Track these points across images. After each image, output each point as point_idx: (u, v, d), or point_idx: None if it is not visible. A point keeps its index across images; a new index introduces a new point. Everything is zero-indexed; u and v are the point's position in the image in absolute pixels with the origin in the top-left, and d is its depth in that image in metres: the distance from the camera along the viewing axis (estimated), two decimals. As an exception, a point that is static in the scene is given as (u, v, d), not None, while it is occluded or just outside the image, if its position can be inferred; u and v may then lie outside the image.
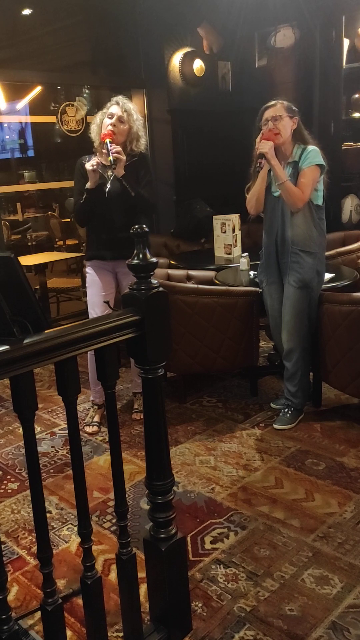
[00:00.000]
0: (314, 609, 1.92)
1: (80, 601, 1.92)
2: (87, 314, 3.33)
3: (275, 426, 3.16)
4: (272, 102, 2.99)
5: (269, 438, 3.07)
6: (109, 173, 3.09)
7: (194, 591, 2.00)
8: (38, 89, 5.33)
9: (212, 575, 2.10)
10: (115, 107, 3.05)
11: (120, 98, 3.10)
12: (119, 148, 2.97)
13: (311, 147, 2.96)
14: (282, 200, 2.99)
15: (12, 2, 4.85)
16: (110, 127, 3.01)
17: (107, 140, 2.96)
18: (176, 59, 5.60)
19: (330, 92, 5.55)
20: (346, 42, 5.54)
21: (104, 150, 3.00)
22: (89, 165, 2.99)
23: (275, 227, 3.07)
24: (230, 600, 1.98)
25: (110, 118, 3.03)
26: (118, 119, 3.03)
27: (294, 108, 3.00)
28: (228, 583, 2.06)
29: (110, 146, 2.94)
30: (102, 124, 3.06)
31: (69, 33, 5.54)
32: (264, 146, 2.89)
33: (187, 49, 5.63)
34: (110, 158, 2.93)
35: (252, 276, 3.65)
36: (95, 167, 2.99)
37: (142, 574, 1.79)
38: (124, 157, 2.99)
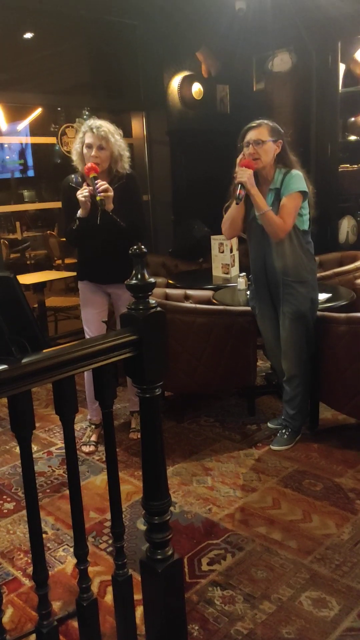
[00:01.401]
0: (311, 632, 1.90)
1: (75, 624, 1.90)
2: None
3: (273, 447, 3.14)
4: (256, 123, 2.84)
5: (267, 458, 3.06)
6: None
7: (190, 614, 1.98)
8: (38, 111, 5.41)
9: (209, 598, 2.08)
10: (90, 135, 2.90)
11: (93, 123, 2.93)
12: (105, 185, 2.86)
13: (293, 172, 2.84)
14: None
15: (14, 25, 4.94)
16: (92, 160, 2.89)
17: (92, 175, 2.85)
18: (175, 82, 5.70)
19: (327, 115, 5.64)
20: (342, 67, 5.65)
21: (90, 187, 2.88)
22: (80, 197, 2.89)
23: (261, 255, 3.00)
24: (227, 623, 1.96)
25: (89, 148, 2.91)
26: (97, 149, 2.90)
27: (280, 130, 2.87)
28: (225, 605, 2.04)
29: (96, 183, 2.83)
30: (82, 153, 2.95)
31: (70, 56, 5.63)
32: (242, 175, 2.76)
33: (186, 73, 5.73)
34: (98, 198, 2.81)
35: (249, 296, 3.67)
36: (87, 198, 2.88)
37: (138, 596, 1.77)
38: (111, 194, 2.88)
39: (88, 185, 2.92)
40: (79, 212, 2.96)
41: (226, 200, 3.04)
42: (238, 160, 2.86)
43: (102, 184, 2.85)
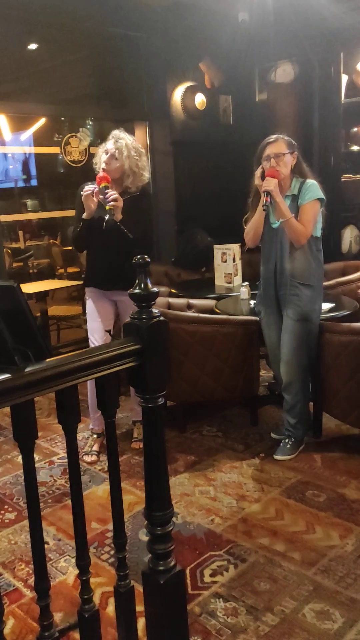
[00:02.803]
0: (315, 646, 1.88)
1: (77, 635, 1.88)
2: (87, 341, 3.33)
3: (276, 457, 3.13)
4: (273, 138, 2.99)
5: (269, 468, 3.05)
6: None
7: (192, 626, 1.96)
8: (42, 121, 5.44)
9: (212, 610, 2.06)
10: (111, 143, 3.04)
11: (117, 133, 3.08)
12: (115, 195, 2.93)
13: (310, 182, 2.98)
14: (280, 231, 3.00)
15: (19, 37, 4.99)
16: (104, 165, 3.01)
17: (103, 185, 2.92)
18: (178, 93, 5.73)
19: (329, 126, 5.66)
20: (344, 78, 5.68)
21: (101, 196, 2.95)
22: (83, 193, 2.96)
23: (273, 258, 3.07)
24: (230, 635, 1.94)
25: (106, 154, 3.04)
26: (111, 156, 3.01)
27: (294, 143, 3.01)
28: (227, 617, 2.02)
29: (107, 193, 2.91)
30: (101, 159, 3.07)
31: (74, 67, 5.67)
32: (269, 184, 2.89)
33: (189, 83, 5.76)
34: (108, 207, 2.89)
35: (252, 305, 3.67)
36: (90, 192, 2.94)
37: (140, 608, 1.76)
38: (121, 204, 2.95)
39: (100, 195, 2.98)
40: (84, 214, 3.03)
41: (245, 211, 3.14)
42: (258, 173, 2.99)
43: (112, 194, 2.92)
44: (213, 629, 1.98)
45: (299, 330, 3.04)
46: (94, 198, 2.99)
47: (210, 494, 2.84)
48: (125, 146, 3.02)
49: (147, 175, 3.14)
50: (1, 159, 7.05)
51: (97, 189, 2.98)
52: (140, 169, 3.08)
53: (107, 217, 2.92)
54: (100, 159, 3.08)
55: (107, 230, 3.02)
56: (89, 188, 2.99)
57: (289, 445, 3.16)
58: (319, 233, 3.04)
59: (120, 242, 3.04)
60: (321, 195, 2.97)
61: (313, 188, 2.96)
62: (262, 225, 3.06)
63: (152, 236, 3.21)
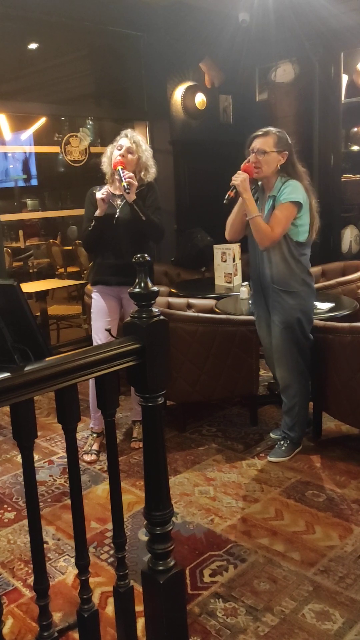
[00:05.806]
0: (314, 646, 1.87)
1: (76, 635, 1.88)
2: (87, 341, 3.33)
3: (270, 459, 3.12)
4: (262, 132, 2.85)
5: (269, 468, 3.05)
6: (118, 202, 3.15)
7: (192, 626, 1.96)
8: (42, 120, 5.44)
9: (211, 610, 2.06)
10: (124, 139, 3.16)
11: (129, 131, 3.22)
12: (131, 174, 3.06)
13: (291, 182, 2.82)
14: None
15: (19, 36, 4.98)
16: (119, 157, 3.10)
17: (119, 167, 3.05)
18: (178, 93, 5.73)
19: (329, 126, 5.66)
20: (345, 78, 5.67)
21: (117, 177, 3.07)
22: (98, 195, 3.07)
23: (256, 262, 3.02)
24: (229, 636, 1.94)
25: (119, 149, 3.13)
26: (127, 150, 3.12)
27: (287, 141, 2.86)
28: (227, 618, 2.02)
29: (123, 172, 3.03)
30: (112, 155, 3.15)
31: (74, 66, 5.67)
32: (237, 178, 2.80)
33: (189, 83, 5.76)
34: (124, 183, 2.99)
35: (251, 302, 3.67)
36: (105, 195, 3.06)
37: (139, 608, 1.75)
38: (136, 183, 3.06)
39: (115, 176, 3.12)
40: (96, 212, 3.12)
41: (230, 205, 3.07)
42: (243, 166, 2.90)
43: (128, 173, 3.05)
44: (212, 629, 1.97)
45: (285, 337, 2.98)
46: (107, 198, 3.11)
47: (209, 494, 2.83)
48: (141, 141, 3.20)
49: (155, 171, 3.25)
50: (1, 159, 7.05)
51: (110, 190, 3.13)
52: (151, 162, 3.23)
53: (125, 186, 2.99)
54: (112, 156, 3.15)
55: (117, 224, 3.10)
56: (104, 189, 3.09)
57: (283, 448, 3.14)
58: (301, 238, 2.87)
59: (130, 234, 3.11)
60: (297, 198, 2.78)
61: (290, 190, 2.79)
62: (239, 220, 2.98)
63: (162, 222, 3.25)
